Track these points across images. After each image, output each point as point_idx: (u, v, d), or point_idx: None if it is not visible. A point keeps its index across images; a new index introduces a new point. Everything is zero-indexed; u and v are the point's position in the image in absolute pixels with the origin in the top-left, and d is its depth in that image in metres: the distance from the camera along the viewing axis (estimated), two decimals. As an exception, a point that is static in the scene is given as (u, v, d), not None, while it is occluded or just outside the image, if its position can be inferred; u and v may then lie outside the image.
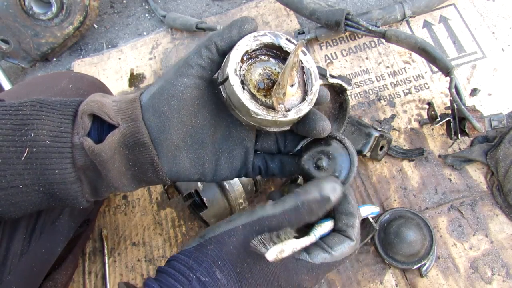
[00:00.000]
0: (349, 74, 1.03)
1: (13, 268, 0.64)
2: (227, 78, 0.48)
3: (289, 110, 0.50)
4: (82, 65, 1.19)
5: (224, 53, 0.51)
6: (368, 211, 0.61)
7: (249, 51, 0.50)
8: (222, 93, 0.51)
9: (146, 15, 1.27)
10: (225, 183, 0.80)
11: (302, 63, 0.52)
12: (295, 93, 0.51)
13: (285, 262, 0.50)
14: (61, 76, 0.86)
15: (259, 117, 0.49)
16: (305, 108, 0.51)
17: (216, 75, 0.52)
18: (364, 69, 1.03)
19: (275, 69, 0.52)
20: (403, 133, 0.95)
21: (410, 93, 0.99)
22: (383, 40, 1.00)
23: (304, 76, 0.52)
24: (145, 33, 1.23)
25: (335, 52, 1.06)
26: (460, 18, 1.05)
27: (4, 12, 1.08)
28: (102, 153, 0.51)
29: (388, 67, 1.02)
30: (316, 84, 0.52)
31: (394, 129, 0.95)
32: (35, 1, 1.11)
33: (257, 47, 0.50)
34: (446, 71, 0.83)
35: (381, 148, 0.89)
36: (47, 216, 0.70)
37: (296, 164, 0.57)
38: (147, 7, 1.28)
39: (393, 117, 0.96)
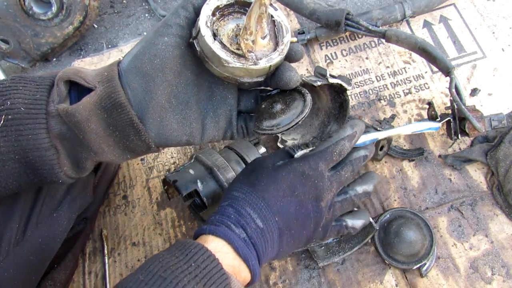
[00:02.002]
0: (349, 74, 1.03)
1: (7, 255, 0.64)
2: (199, 31, 0.50)
3: (260, 59, 0.52)
4: (82, 65, 1.19)
5: (199, 10, 0.52)
6: (425, 126, 0.70)
7: (220, 6, 0.51)
8: (196, 47, 0.52)
9: (146, 15, 1.27)
10: (225, 184, 0.80)
11: (273, 17, 0.54)
12: (267, 44, 0.53)
13: (281, 165, 0.64)
14: None
15: (230, 65, 0.50)
16: (276, 57, 0.53)
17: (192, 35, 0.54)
18: (364, 69, 1.03)
19: None
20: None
21: (410, 93, 0.99)
22: (383, 40, 1.00)
23: (275, 29, 0.54)
24: (145, 33, 1.23)
25: (335, 52, 1.06)
26: (460, 18, 1.05)
27: (4, 12, 1.08)
28: (76, 114, 0.51)
29: (388, 67, 1.02)
30: (287, 36, 0.54)
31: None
32: (35, 1, 1.10)
33: (228, 2, 0.52)
34: (446, 71, 0.83)
35: (381, 148, 0.88)
36: (44, 206, 0.70)
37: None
38: (147, 7, 1.28)
39: (393, 117, 0.95)
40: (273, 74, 0.55)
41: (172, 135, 0.56)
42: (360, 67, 1.04)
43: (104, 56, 1.20)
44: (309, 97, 0.58)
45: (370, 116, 0.97)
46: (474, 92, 0.96)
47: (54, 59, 1.24)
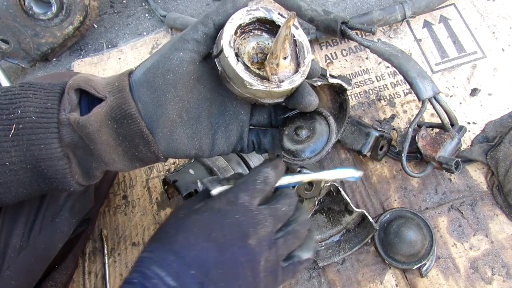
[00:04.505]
0: (349, 74, 1.03)
1: (12, 263, 0.64)
2: (221, 51, 0.49)
3: (282, 81, 0.51)
4: (82, 65, 1.19)
5: (220, 28, 0.51)
6: (343, 174, 0.60)
7: (242, 24, 0.51)
8: (217, 66, 0.52)
9: (146, 15, 1.27)
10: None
11: (294, 36, 0.53)
12: (288, 65, 0.52)
13: (195, 208, 0.54)
14: (61, 75, 0.86)
15: (253, 87, 0.50)
16: (298, 79, 0.52)
17: (212, 50, 0.53)
18: (364, 69, 1.03)
19: (268, 44, 0.53)
20: (403, 133, 0.95)
21: (410, 93, 0.99)
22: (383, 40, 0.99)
23: (297, 49, 0.53)
24: (145, 33, 1.23)
25: (335, 52, 1.06)
26: (460, 18, 1.05)
27: (4, 12, 1.08)
28: (87, 125, 0.50)
29: (388, 67, 1.02)
30: (309, 56, 0.53)
31: (394, 129, 0.95)
32: (35, 1, 1.10)
33: (250, 21, 0.51)
34: (419, 99, 0.82)
35: (381, 148, 0.88)
36: (47, 212, 0.70)
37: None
38: (147, 7, 1.28)
39: (393, 117, 0.95)
40: (292, 94, 0.55)
41: (181, 148, 0.56)
42: (360, 67, 1.04)
43: (104, 56, 1.20)
44: (332, 121, 0.57)
45: (370, 116, 0.97)
46: (474, 92, 0.96)
47: (54, 59, 1.24)
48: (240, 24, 0.51)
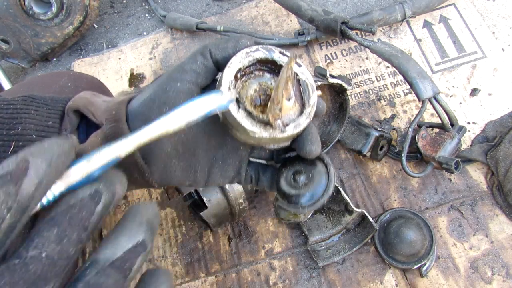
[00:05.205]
0: (349, 74, 1.03)
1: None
2: None
3: (287, 125, 0.48)
4: (82, 65, 1.19)
5: (217, 62, 0.50)
6: (197, 111, 0.42)
7: (242, 68, 0.49)
8: (219, 114, 0.50)
9: (146, 15, 1.27)
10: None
11: (297, 75, 0.51)
12: (293, 106, 0.49)
13: None
14: (60, 75, 0.86)
15: (256, 135, 0.48)
16: (303, 122, 0.49)
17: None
18: (364, 69, 1.03)
19: (271, 84, 0.51)
20: (403, 133, 0.95)
21: (410, 93, 0.99)
22: (383, 40, 1.00)
23: (301, 89, 0.50)
24: (145, 33, 1.23)
25: (335, 52, 1.06)
26: (460, 18, 1.05)
27: (4, 12, 1.08)
28: (83, 154, 0.50)
29: (388, 67, 1.02)
30: (314, 96, 0.50)
31: (394, 129, 0.95)
32: (35, 1, 1.10)
33: (250, 63, 0.49)
34: (419, 99, 0.82)
35: (381, 148, 0.88)
36: None
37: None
38: (147, 7, 1.28)
39: (393, 117, 0.95)
40: (296, 137, 0.52)
41: (175, 180, 0.55)
42: (360, 67, 1.04)
43: (104, 56, 1.20)
44: (332, 171, 0.53)
45: (370, 116, 0.97)
46: (474, 92, 0.96)
47: (54, 59, 1.24)
48: (240, 68, 0.48)
